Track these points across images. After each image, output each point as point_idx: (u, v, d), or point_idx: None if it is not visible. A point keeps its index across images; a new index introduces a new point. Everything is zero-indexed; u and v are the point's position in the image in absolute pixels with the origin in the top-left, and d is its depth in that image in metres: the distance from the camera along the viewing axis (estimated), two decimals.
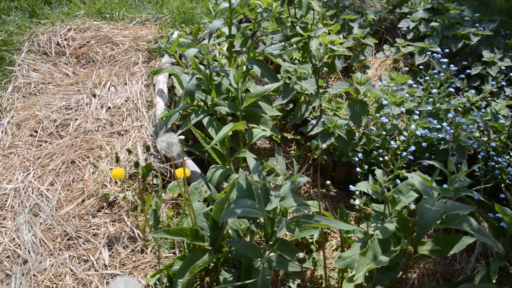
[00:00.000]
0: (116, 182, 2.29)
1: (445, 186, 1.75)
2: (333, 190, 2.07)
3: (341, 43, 2.40)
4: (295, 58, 2.67)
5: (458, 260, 2.18)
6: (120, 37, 3.31)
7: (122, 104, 2.75)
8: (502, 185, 2.28)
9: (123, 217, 2.15)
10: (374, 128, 2.32)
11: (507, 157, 2.26)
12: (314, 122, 2.33)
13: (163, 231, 1.74)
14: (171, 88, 2.90)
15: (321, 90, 2.44)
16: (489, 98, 2.61)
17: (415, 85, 2.60)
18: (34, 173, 2.36)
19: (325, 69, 2.72)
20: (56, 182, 2.30)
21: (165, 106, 2.69)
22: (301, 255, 1.48)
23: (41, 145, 2.55)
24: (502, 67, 2.66)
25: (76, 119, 2.68)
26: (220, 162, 2.37)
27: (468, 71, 2.76)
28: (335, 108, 2.44)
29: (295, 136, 2.41)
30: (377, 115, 2.29)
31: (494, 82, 2.61)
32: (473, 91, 2.55)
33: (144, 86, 2.86)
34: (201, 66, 2.51)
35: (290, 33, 2.41)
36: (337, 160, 2.40)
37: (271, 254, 1.75)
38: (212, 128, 2.39)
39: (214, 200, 2.05)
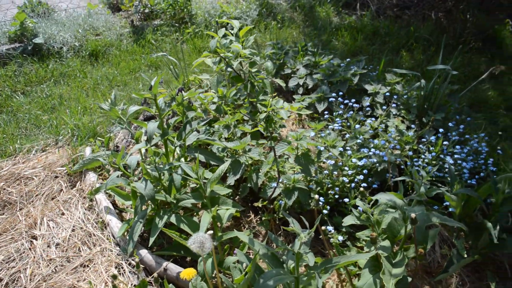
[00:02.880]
0: None
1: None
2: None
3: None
4: (223, 137, 2.90)
5: (427, 254, 2.55)
6: (29, 170, 3.12)
7: (70, 235, 2.60)
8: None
9: None
10: (319, 174, 2.64)
11: (421, 160, 2.77)
12: (273, 185, 2.55)
13: None
14: (113, 203, 2.83)
15: (264, 153, 2.68)
16: (384, 120, 3.17)
17: (330, 127, 3.02)
18: None
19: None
20: None
21: (119, 221, 2.62)
22: None
23: None
24: (386, 94, 3.27)
25: (25, 269, 2.43)
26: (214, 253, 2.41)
27: (354, 105, 3.29)
28: (281, 167, 2.70)
29: (263, 203, 2.59)
30: (324, 160, 2.61)
31: (385, 107, 3.19)
32: (373, 118, 3.08)
33: (86, 209, 2.75)
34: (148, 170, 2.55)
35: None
36: (300, 211, 2.64)
37: None
38: (182, 223, 2.44)
39: None
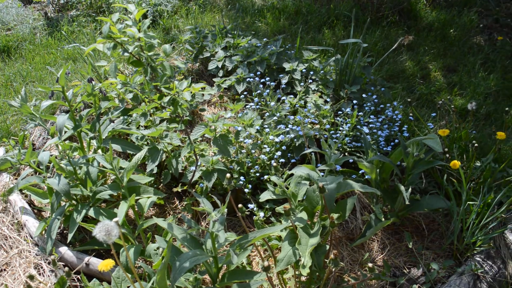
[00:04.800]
0: None
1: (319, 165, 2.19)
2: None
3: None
4: (141, 125, 2.85)
5: (349, 222, 2.66)
6: None
7: None
8: (346, 153, 2.88)
9: None
10: (240, 154, 2.66)
11: (339, 132, 2.86)
12: (192, 169, 2.54)
13: None
14: (30, 203, 2.71)
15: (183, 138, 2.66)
16: (303, 97, 3.23)
17: (248, 107, 3.04)
18: None
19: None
20: None
21: (36, 221, 2.52)
22: (266, 263, 1.70)
23: None
24: (302, 70, 3.33)
25: None
26: (124, 244, 2.37)
27: (270, 83, 3.33)
28: (200, 150, 2.69)
29: (183, 187, 2.57)
30: (241, 139, 2.63)
31: (303, 83, 3.25)
32: (291, 96, 3.13)
33: (0, 212, 2.61)
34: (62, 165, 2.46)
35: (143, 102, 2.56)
36: (223, 192, 2.66)
37: None
38: (101, 216, 2.38)
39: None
